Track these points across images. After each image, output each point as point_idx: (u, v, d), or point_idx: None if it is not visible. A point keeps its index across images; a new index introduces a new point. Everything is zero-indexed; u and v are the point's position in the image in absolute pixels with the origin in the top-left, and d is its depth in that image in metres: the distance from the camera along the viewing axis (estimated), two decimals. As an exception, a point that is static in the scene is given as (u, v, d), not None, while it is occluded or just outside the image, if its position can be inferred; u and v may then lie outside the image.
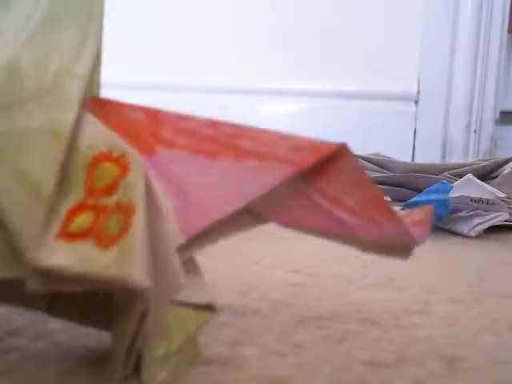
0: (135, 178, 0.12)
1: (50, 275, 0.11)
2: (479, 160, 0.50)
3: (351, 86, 0.82)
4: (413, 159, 0.79)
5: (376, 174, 0.43)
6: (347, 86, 0.82)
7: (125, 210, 0.11)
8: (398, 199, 0.42)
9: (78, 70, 0.12)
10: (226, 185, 0.13)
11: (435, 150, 0.80)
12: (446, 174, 0.41)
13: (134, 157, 0.12)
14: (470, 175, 0.38)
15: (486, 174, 0.41)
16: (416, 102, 0.81)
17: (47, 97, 0.12)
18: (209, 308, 0.14)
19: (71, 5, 0.13)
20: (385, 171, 0.44)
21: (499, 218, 0.37)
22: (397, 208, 0.41)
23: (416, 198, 0.38)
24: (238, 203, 0.13)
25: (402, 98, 0.81)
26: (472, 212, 0.37)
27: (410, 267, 0.27)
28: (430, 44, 0.79)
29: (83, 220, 0.11)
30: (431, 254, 0.32)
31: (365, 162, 0.45)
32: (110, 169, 0.12)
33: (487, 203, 0.36)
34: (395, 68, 0.81)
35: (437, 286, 0.24)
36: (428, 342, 0.17)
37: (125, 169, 0.12)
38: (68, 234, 0.11)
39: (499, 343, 0.17)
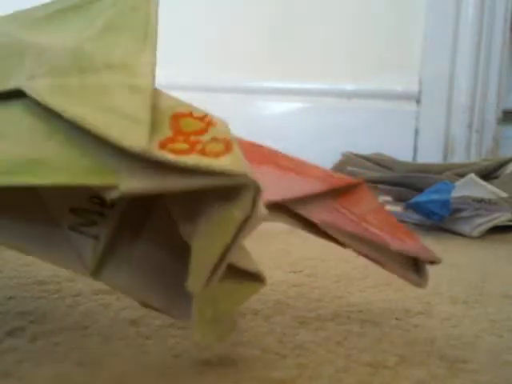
0: (225, 127, 0.12)
1: (155, 171, 0.11)
2: (481, 160, 0.50)
3: (352, 84, 0.82)
4: (414, 159, 0.79)
5: (377, 174, 0.43)
6: (348, 84, 0.82)
7: (222, 141, 0.12)
8: (399, 199, 0.42)
9: (144, 64, 0.13)
10: (274, 183, 0.15)
11: (437, 149, 0.80)
12: (448, 173, 0.41)
13: (215, 117, 0.13)
14: (472, 175, 0.38)
15: (489, 174, 0.41)
16: (417, 101, 0.80)
17: (120, 70, 0.13)
18: (256, 278, 0.15)
19: (128, 20, 0.15)
20: (386, 171, 0.44)
21: (502, 218, 0.37)
22: (398, 208, 0.41)
23: (417, 198, 0.38)
24: (286, 195, 0.15)
25: (404, 97, 0.80)
26: (474, 212, 0.37)
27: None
28: (432, 43, 0.79)
29: (178, 146, 0.12)
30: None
31: (366, 162, 0.45)
32: (194, 122, 0.13)
33: (489, 203, 0.36)
34: (397, 67, 0.81)
35: (439, 286, 0.24)
36: (429, 344, 0.17)
37: (210, 123, 0.12)
38: (169, 150, 0.12)
39: (501, 344, 0.17)
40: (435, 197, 0.37)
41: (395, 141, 0.78)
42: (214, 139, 0.12)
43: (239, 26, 0.86)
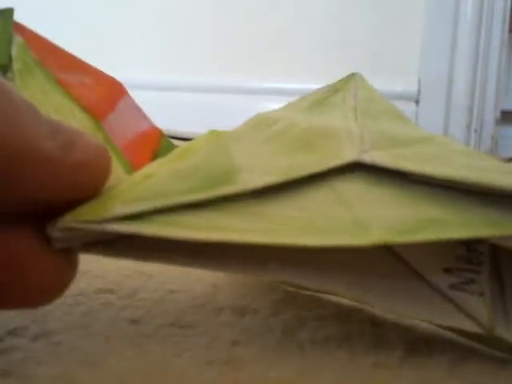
0: None
1: None
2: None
3: (352, 85, 0.82)
4: (413, 159, 0.79)
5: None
6: (348, 85, 0.82)
7: None
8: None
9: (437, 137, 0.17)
10: None
11: (436, 149, 0.80)
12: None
13: None
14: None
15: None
16: (416, 102, 0.80)
17: (430, 142, 0.16)
18: None
19: (378, 107, 0.19)
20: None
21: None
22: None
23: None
24: None
25: (403, 97, 0.81)
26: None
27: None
28: (431, 43, 0.79)
29: None
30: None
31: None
32: None
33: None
34: (396, 67, 0.81)
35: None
36: (430, 343, 0.17)
37: None
38: None
39: (500, 344, 0.17)
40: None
41: (394, 141, 0.78)
42: None
43: (239, 25, 0.86)
